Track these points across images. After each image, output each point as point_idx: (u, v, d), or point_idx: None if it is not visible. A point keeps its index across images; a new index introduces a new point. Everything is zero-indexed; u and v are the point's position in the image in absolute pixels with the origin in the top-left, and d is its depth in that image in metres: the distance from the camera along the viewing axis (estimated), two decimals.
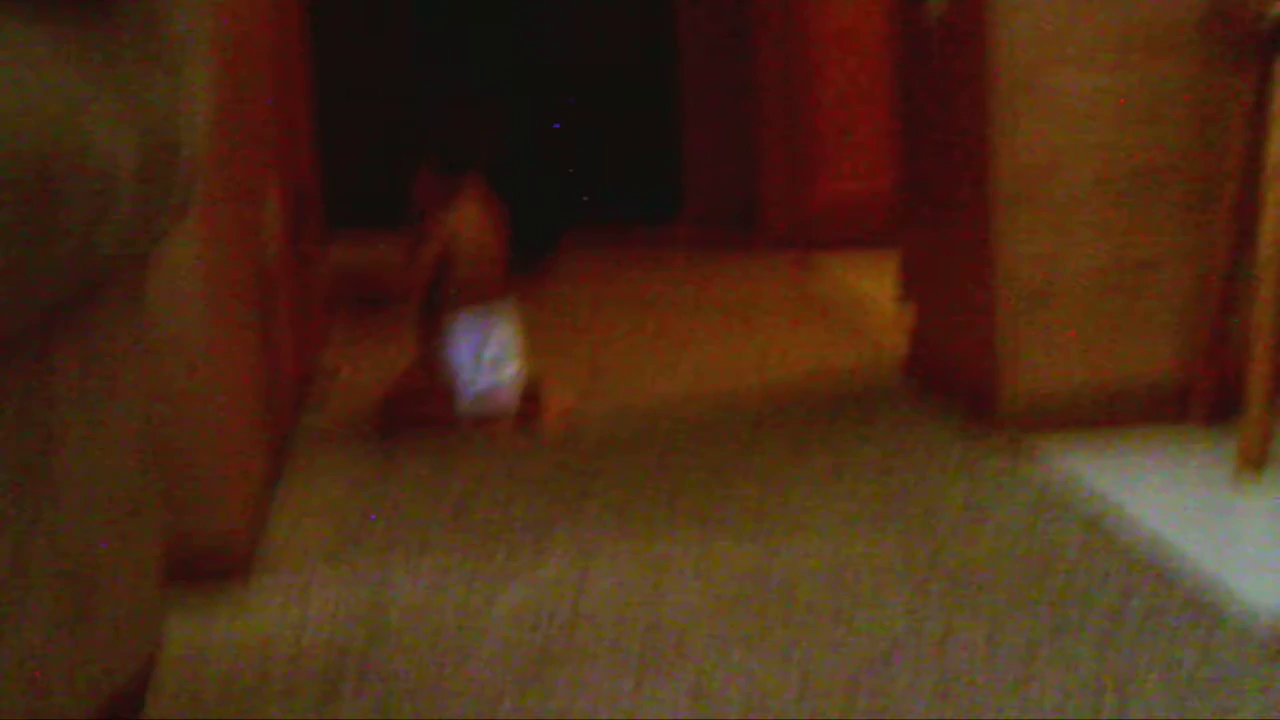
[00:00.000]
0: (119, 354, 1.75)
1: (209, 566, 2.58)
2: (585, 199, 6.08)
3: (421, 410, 3.55)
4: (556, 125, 5.79)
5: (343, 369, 3.96)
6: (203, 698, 2.17)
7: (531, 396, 3.59)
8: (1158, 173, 3.20)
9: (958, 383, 3.47)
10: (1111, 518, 2.71)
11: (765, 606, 2.39)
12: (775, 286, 5.12)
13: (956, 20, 3.38)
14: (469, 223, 3.61)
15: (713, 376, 3.91)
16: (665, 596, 2.45)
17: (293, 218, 3.89)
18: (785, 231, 5.72)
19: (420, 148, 3.69)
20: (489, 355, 3.54)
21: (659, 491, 3.00)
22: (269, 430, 3.19)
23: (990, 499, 2.84)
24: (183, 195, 1.74)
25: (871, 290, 4.75)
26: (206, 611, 2.50)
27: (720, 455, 3.21)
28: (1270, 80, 2.94)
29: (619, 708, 2.06)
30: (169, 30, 1.68)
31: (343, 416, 3.71)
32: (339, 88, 6.06)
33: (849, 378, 3.81)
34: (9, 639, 1.33)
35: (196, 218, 2.48)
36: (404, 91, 5.89)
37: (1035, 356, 3.22)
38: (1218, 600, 2.32)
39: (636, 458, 3.23)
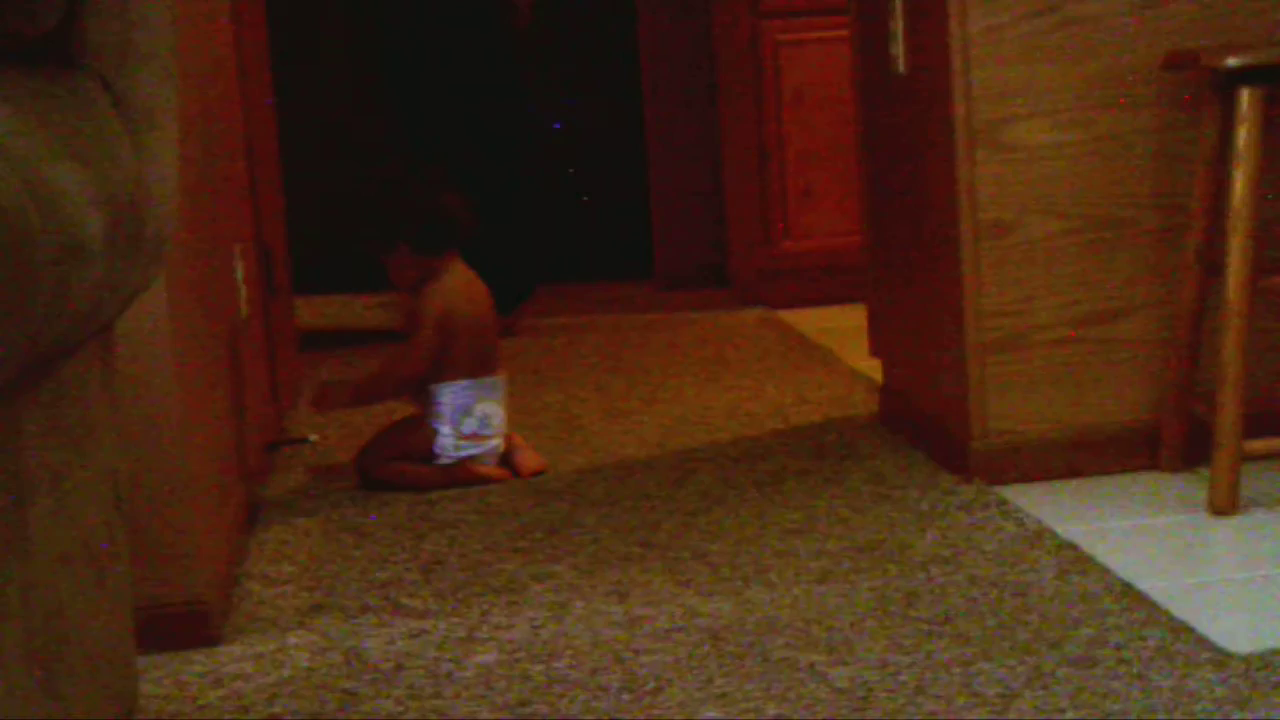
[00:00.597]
0: (88, 415, 1.75)
1: (181, 629, 2.57)
2: (554, 255, 6.10)
3: (402, 465, 3.54)
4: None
5: (313, 435, 3.95)
6: None
7: (504, 455, 3.59)
8: (1122, 221, 3.23)
9: (929, 431, 3.48)
10: (1084, 561, 2.72)
11: (740, 659, 2.39)
12: (745, 335, 5.13)
13: (919, 75, 3.41)
14: (461, 294, 3.60)
15: (683, 430, 3.91)
16: (639, 651, 2.45)
17: (261, 279, 3.89)
18: (757, 286, 5.74)
19: (394, 228, 3.65)
20: (470, 429, 3.54)
21: (631, 546, 3.00)
22: (240, 491, 3.18)
23: (963, 545, 2.84)
24: (151, 258, 1.74)
25: (841, 343, 4.77)
26: (178, 674, 2.49)
27: (692, 508, 3.21)
28: (1230, 126, 2.97)
29: None
30: (136, 96, 1.69)
31: (313, 477, 3.70)
32: (308, 151, 6.07)
33: (820, 429, 3.82)
34: None
35: (165, 280, 2.49)
36: (376, 157, 5.91)
37: (1005, 404, 3.24)
38: (1192, 641, 2.33)
39: (608, 513, 3.23)
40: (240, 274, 3.48)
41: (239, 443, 3.23)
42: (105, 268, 1.59)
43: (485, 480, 3.51)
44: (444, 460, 3.53)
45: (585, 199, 6.53)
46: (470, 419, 3.53)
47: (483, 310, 3.63)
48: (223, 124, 3.36)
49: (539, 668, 2.40)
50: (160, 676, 2.47)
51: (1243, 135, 2.93)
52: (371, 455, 3.58)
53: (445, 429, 3.53)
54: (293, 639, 2.61)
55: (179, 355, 2.55)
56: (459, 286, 3.60)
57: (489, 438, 3.55)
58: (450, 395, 3.53)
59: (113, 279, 1.65)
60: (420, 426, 3.56)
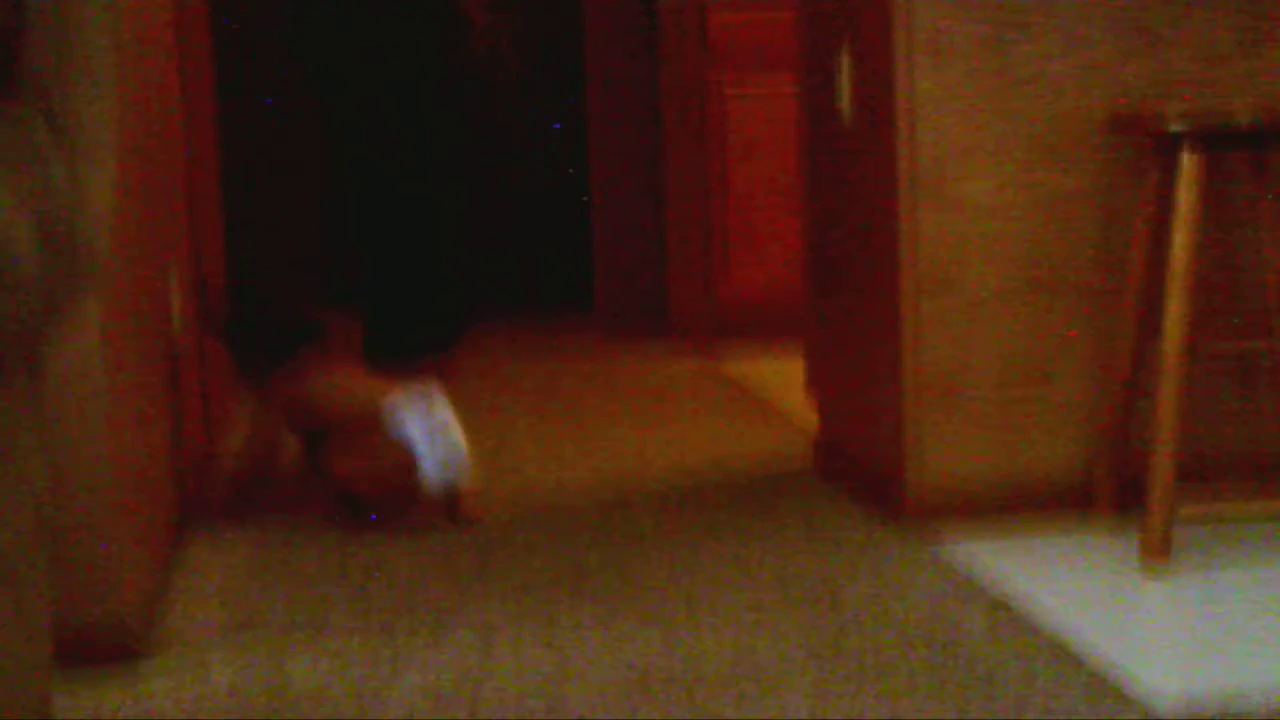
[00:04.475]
0: (14, 439, 1.72)
1: (103, 647, 2.53)
2: (493, 293, 6.09)
3: (383, 489, 3.49)
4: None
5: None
6: None
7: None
8: (1063, 275, 3.24)
9: (864, 474, 3.48)
10: (1016, 607, 2.71)
11: (667, 694, 2.37)
12: (684, 380, 5.13)
13: (867, 126, 3.42)
14: (324, 391, 3.55)
15: (622, 473, 3.90)
16: (567, 682, 2.43)
17: (198, 306, 3.85)
18: (694, 326, 5.75)
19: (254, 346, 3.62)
20: (437, 425, 3.49)
21: (562, 578, 2.98)
22: (168, 510, 3.15)
23: (895, 588, 2.84)
24: (81, 277, 1.72)
25: (779, 384, 4.77)
26: (99, 693, 2.45)
27: (624, 543, 3.20)
28: (1170, 186, 2.99)
29: None
30: (74, 118, 1.67)
31: (244, 497, 3.65)
32: (249, 172, 6.03)
33: (755, 468, 3.82)
34: None
35: (98, 304, 2.47)
36: (316, 188, 5.87)
37: (940, 449, 3.24)
38: (1121, 687, 2.33)
39: (540, 544, 3.21)
40: (175, 300, 3.45)
41: (169, 462, 3.20)
42: (35, 293, 1.57)
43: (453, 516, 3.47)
44: (431, 467, 3.47)
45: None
46: (433, 421, 3.49)
47: (347, 406, 3.56)
48: (162, 149, 3.34)
49: (465, 692, 2.37)
50: (79, 694, 2.43)
51: (1184, 197, 2.95)
52: (349, 466, 3.50)
53: (418, 437, 3.48)
54: (215, 658, 2.57)
55: (108, 377, 2.52)
56: (321, 385, 3.55)
57: (455, 438, 3.50)
58: (405, 409, 3.49)
59: (43, 305, 1.63)
60: (394, 447, 3.50)
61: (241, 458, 3.59)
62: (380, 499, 3.48)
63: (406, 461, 3.47)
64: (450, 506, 3.49)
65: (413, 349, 5.06)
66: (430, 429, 3.49)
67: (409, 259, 5.12)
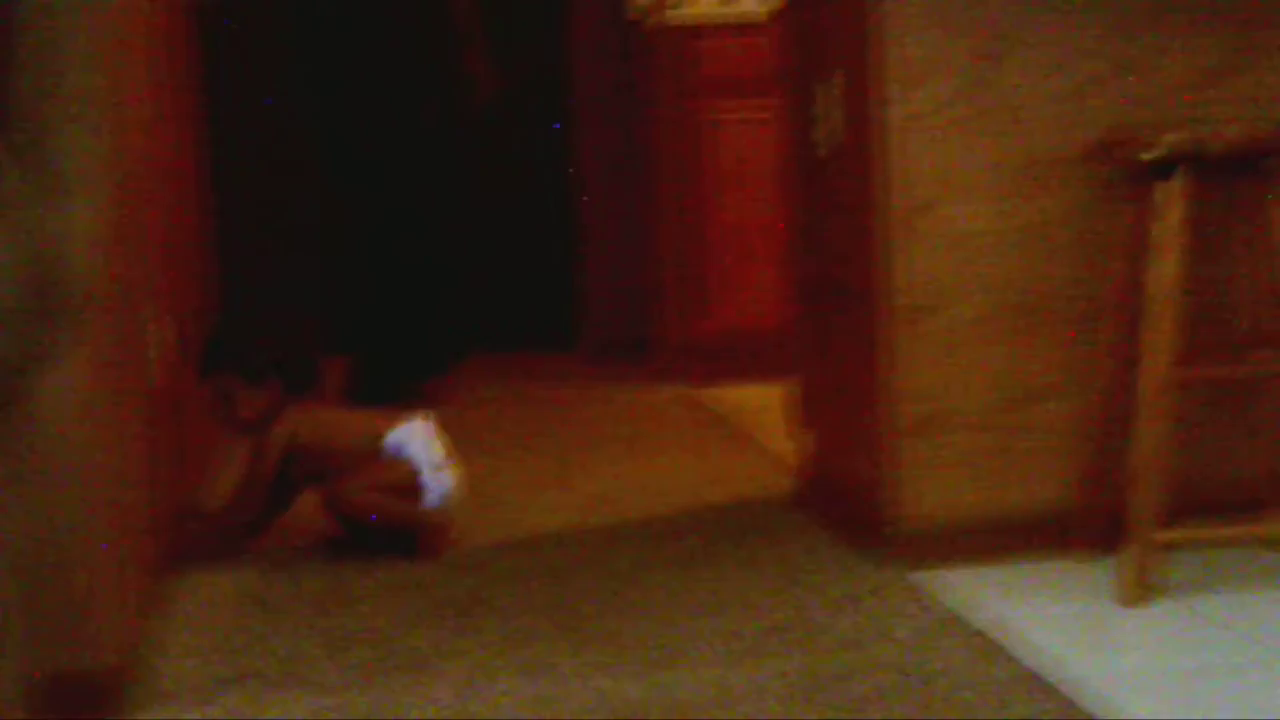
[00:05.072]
0: None
1: (83, 701, 2.51)
2: (479, 324, 6.07)
3: (397, 515, 3.49)
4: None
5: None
6: None
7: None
8: (1044, 303, 3.24)
9: (847, 512, 3.47)
10: (999, 645, 2.71)
11: None
12: (667, 412, 5.12)
13: (848, 153, 3.41)
14: (309, 428, 3.55)
15: (603, 506, 3.89)
16: None
17: (181, 346, 3.84)
18: (679, 363, 5.73)
19: (264, 364, 3.61)
20: (437, 453, 3.50)
21: (542, 624, 2.97)
22: (148, 561, 3.13)
23: (878, 628, 2.83)
24: (67, 319, 1.71)
25: (763, 421, 4.76)
26: None
27: (608, 587, 3.19)
28: (1151, 214, 2.99)
29: None
30: (61, 161, 1.67)
31: (223, 547, 3.64)
32: (241, 207, 6.03)
33: (739, 508, 3.80)
34: None
35: (81, 342, 2.45)
36: (307, 231, 5.88)
37: (922, 479, 3.23)
38: None
39: (520, 590, 3.20)
40: (154, 340, 3.43)
41: (149, 513, 3.18)
42: (18, 329, 1.56)
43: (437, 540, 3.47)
44: (436, 492, 3.47)
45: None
46: (432, 448, 3.50)
47: (328, 426, 3.57)
48: (144, 185, 3.32)
49: None
50: None
51: (1165, 224, 2.94)
52: (352, 486, 3.50)
53: (422, 458, 3.48)
54: (197, 714, 2.56)
55: (91, 420, 2.51)
56: (308, 423, 3.55)
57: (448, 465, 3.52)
58: (407, 432, 3.49)
59: (26, 341, 1.62)
60: (399, 465, 3.51)
61: (233, 503, 3.59)
62: (393, 525, 3.48)
63: (414, 485, 3.47)
64: (440, 535, 3.49)
65: (402, 384, 5.06)
66: (431, 455, 3.50)
67: (398, 296, 5.13)
